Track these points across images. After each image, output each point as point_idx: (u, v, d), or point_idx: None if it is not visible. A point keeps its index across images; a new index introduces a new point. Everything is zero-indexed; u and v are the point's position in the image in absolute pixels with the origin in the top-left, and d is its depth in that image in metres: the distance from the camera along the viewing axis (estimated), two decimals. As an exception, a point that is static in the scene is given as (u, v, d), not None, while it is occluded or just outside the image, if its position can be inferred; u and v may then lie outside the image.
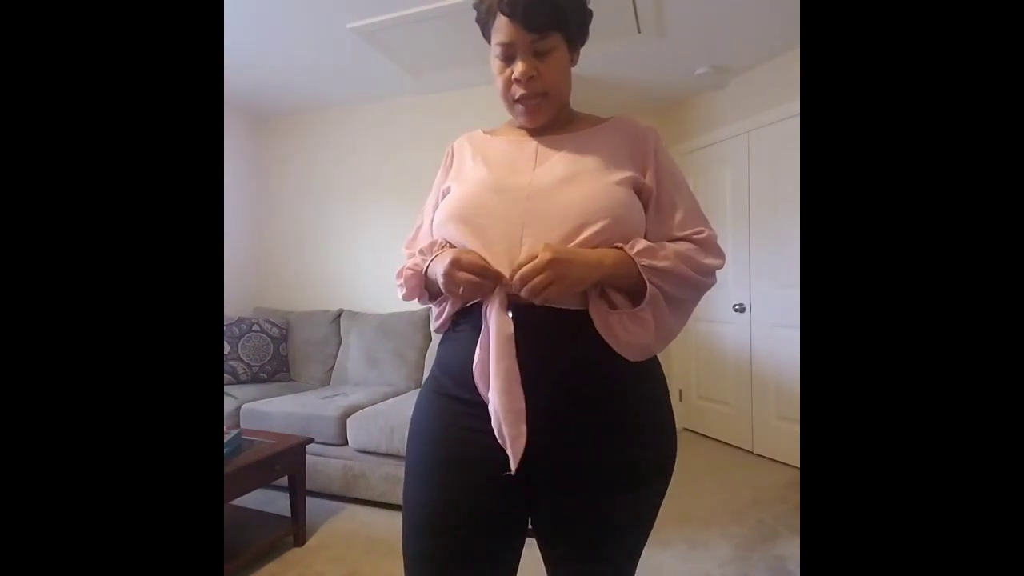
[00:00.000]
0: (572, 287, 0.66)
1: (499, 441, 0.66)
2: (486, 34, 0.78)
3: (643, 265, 0.69)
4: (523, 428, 0.65)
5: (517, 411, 0.65)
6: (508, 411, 0.65)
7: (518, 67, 0.74)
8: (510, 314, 0.67)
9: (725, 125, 3.07)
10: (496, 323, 0.66)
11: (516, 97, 0.76)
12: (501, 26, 0.72)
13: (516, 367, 0.65)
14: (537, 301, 0.65)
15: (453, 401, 0.73)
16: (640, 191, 0.75)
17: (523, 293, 0.65)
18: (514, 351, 0.65)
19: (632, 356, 0.70)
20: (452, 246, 0.74)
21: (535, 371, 0.67)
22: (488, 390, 0.67)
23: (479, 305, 0.70)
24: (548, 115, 0.79)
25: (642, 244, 0.70)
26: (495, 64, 0.77)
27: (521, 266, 0.65)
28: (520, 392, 0.65)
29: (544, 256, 0.64)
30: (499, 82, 0.77)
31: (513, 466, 0.65)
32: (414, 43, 2.56)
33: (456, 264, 0.67)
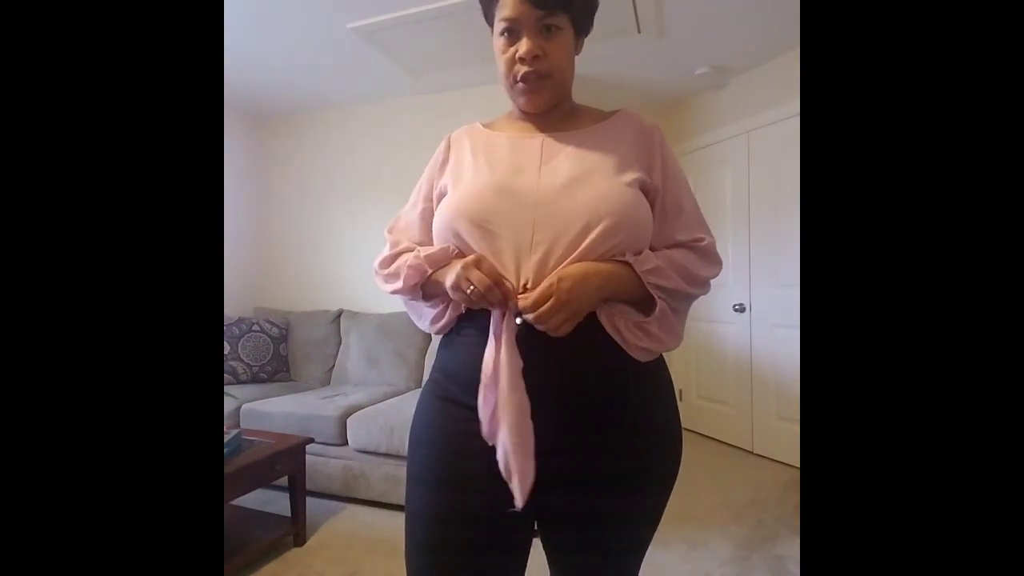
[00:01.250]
0: (586, 313, 0.67)
1: (503, 474, 0.66)
2: (489, 14, 0.76)
3: (650, 283, 0.69)
4: (532, 464, 0.64)
5: (527, 447, 0.64)
6: (517, 445, 0.64)
7: (523, 45, 0.71)
8: (519, 320, 0.66)
9: (725, 125, 3.07)
10: (508, 357, 0.65)
11: (519, 76, 0.74)
12: (508, 2, 0.71)
13: (527, 401, 0.65)
14: (553, 334, 0.65)
15: (456, 406, 0.72)
16: (647, 191, 0.74)
17: (540, 328, 0.65)
18: (524, 384, 0.65)
19: (640, 356, 0.70)
20: (463, 255, 0.72)
21: (540, 372, 0.67)
22: (489, 422, 0.67)
23: (485, 310, 0.69)
24: (549, 98, 0.76)
25: (651, 262, 0.69)
26: (498, 43, 0.74)
27: (536, 304, 0.64)
28: (531, 426, 0.65)
29: (560, 298, 0.63)
30: (501, 63, 0.75)
31: (519, 504, 0.64)
32: (414, 43, 2.56)
33: (476, 263, 0.66)
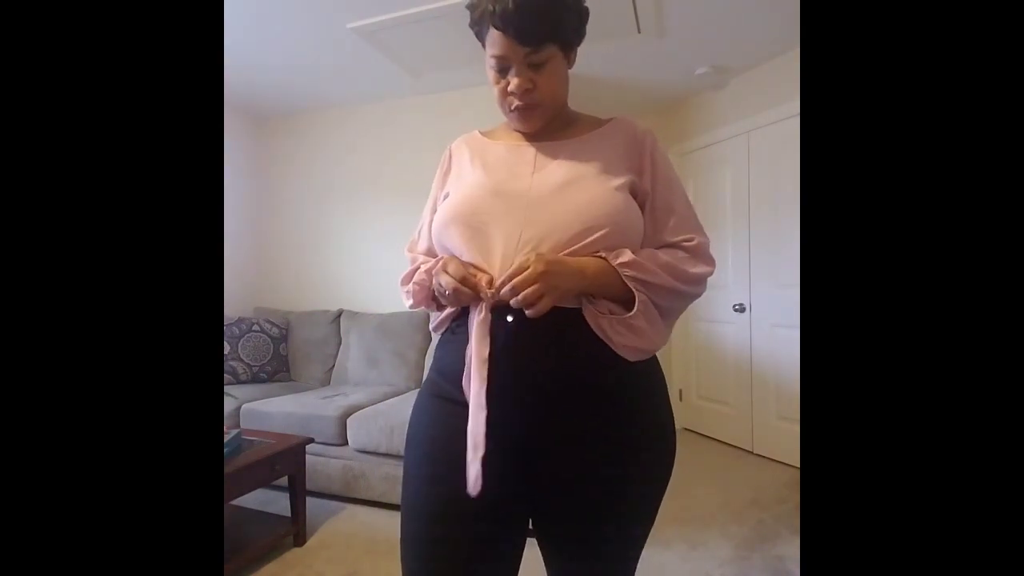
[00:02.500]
0: (563, 297, 0.67)
1: (469, 452, 0.66)
2: (480, 40, 0.77)
3: (627, 276, 0.69)
4: (480, 454, 0.64)
5: (478, 436, 0.65)
6: (471, 435, 0.65)
7: (513, 81, 0.73)
8: (510, 318, 0.67)
9: (725, 125, 3.07)
10: (476, 343, 0.67)
11: (512, 107, 0.76)
12: (494, 39, 0.72)
13: (485, 392, 0.66)
14: (530, 313, 0.65)
15: (452, 404, 0.72)
16: (636, 194, 0.76)
17: (514, 303, 0.65)
18: (487, 374, 0.66)
19: (629, 356, 0.70)
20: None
21: (533, 368, 0.67)
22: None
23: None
24: (544, 121, 0.79)
25: (627, 255, 0.69)
26: (490, 74, 0.76)
27: (512, 276, 0.65)
28: (483, 417, 0.65)
29: (536, 268, 0.64)
30: (494, 90, 0.77)
31: (471, 490, 0.64)
32: (414, 43, 2.56)
33: (443, 267, 0.70)
